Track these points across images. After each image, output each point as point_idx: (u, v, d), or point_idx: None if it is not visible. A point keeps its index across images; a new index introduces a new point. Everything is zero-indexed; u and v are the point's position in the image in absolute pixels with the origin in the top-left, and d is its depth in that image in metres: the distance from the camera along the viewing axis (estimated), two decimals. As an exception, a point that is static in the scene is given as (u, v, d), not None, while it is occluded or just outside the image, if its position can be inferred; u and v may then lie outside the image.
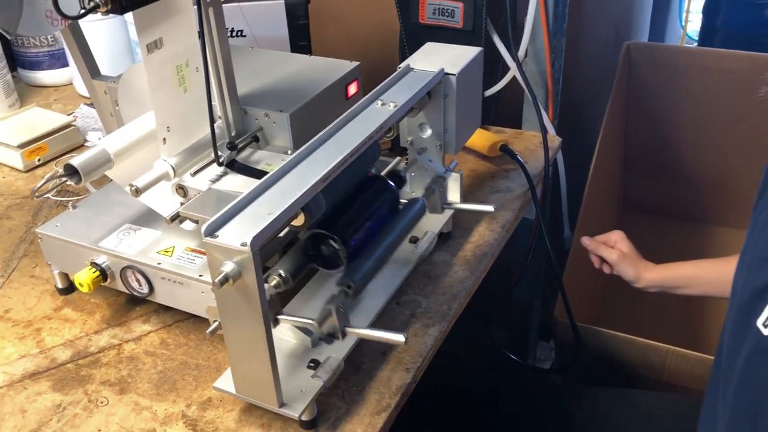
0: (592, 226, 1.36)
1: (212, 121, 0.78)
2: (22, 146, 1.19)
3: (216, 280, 0.60)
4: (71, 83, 1.51)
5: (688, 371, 1.22)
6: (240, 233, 0.60)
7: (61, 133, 1.24)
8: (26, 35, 1.19)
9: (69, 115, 1.32)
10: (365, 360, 0.78)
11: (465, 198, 0.98)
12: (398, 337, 0.70)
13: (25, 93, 1.49)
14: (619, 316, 1.50)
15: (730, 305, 0.78)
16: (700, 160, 1.62)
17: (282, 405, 0.68)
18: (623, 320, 1.41)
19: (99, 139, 1.18)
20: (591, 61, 1.56)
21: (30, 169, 1.21)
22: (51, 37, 1.48)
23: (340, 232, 0.72)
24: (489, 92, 1.22)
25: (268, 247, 0.76)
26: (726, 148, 1.57)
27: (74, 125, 1.27)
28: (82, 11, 0.65)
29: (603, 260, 1.16)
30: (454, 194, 0.95)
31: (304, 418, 0.69)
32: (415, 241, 0.90)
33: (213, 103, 0.79)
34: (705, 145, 1.60)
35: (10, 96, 1.40)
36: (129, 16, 1.04)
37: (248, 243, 0.58)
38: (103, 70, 1.00)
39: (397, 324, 0.83)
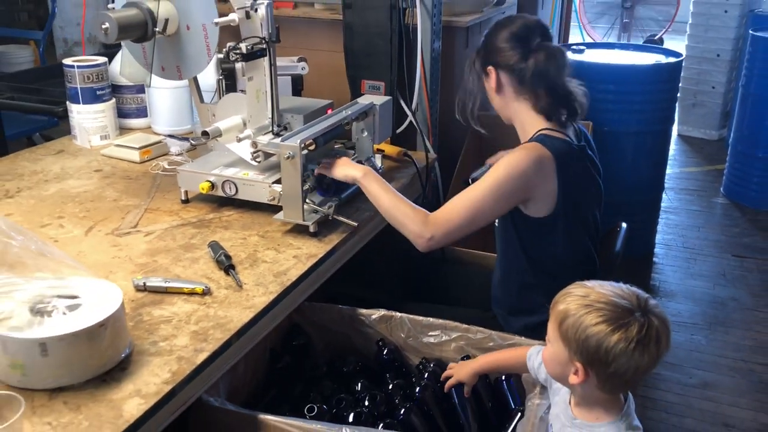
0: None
1: (273, 115, 1.77)
2: (140, 148, 2.14)
3: (284, 158, 1.57)
4: (149, 126, 2.47)
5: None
6: (295, 141, 1.58)
7: (158, 144, 2.20)
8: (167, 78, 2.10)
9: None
10: (336, 225, 1.74)
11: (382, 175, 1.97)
12: (353, 223, 1.68)
13: (121, 132, 2.44)
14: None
15: None
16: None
17: (304, 220, 1.63)
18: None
19: (179, 151, 2.16)
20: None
21: (142, 162, 2.15)
22: (139, 98, 2.45)
23: (336, 181, 1.71)
24: (399, 130, 2.26)
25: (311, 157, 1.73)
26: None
27: (164, 141, 2.23)
28: (232, 61, 1.65)
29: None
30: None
31: (311, 229, 1.64)
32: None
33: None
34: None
35: (116, 131, 2.35)
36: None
37: (297, 143, 1.56)
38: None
39: (351, 213, 1.80)
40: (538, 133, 1.66)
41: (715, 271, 3.31)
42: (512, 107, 1.73)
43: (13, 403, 0.99)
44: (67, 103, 2.29)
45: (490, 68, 1.71)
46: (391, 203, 1.62)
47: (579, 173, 1.68)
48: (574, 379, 1.17)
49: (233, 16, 1.68)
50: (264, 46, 1.72)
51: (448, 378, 1.54)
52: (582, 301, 1.15)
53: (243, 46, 1.67)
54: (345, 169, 1.67)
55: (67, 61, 2.25)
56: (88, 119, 2.28)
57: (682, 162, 4.78)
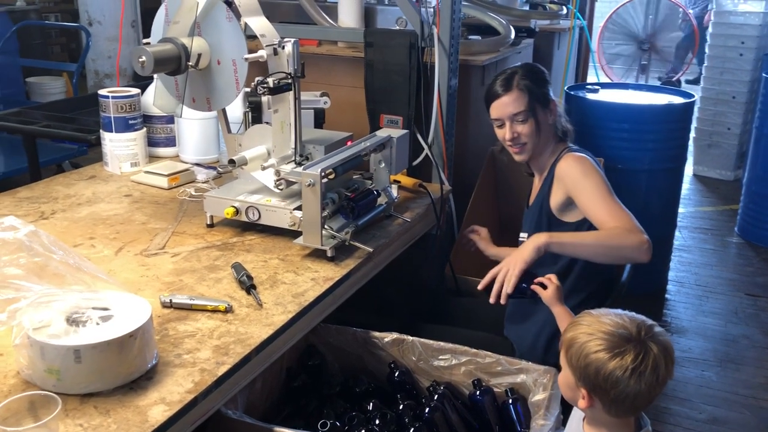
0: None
1: (296, 146, 1.86)
2: (168, 175, 2.24)
3: (306, 185, 1.66)
4: (177, 155, 2.58)
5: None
6: (315, 170, 1.67)
7: (185, 172, 2.30)
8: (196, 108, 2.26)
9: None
10: (352, 251, 1.82)
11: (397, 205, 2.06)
12: (369, 248, 1.76)
13: (150, 160, 2.55)
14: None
15: None
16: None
17: (322, 245, 1.71)
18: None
19: (205, 179, 2.26)
20: (475, 152, 2.74)
21: (170, 188, 2.25)
22: (169, 128, 2.57)
23: (356, 204, 1.79)
24: (416, 162, 2.35)
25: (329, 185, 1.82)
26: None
27: (191, 169, 2.33)
28: (260, 94, 1.75)
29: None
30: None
31: (329, 254, 1.72)
32: (375, 209, 1.98)
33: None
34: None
35: (145, 158, 2.47)
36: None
37: (318, 172, 1.65)
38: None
39: (367, 239, 1.88)
40: (566, 148, 1.98)
41: (727, 309, 3.33)
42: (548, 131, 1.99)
43: (50, 403, 1.07)
44: (101, 131, 2.41)
45: (553, 99, 2.01)
46: (596, 238, 1.72)
47: None
48: (582, 403, 1.23)
49: (262, 53, 1.79)
50: (289, 81, 1.83)
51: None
52: (586, 330, 1.21)
53: (270, 80, 1.77)
54: (525, 252, 1.72)
55: (102, 91, 2.37)
56: (120, 147, 2.40)
57: (697, 201, 4.82)
